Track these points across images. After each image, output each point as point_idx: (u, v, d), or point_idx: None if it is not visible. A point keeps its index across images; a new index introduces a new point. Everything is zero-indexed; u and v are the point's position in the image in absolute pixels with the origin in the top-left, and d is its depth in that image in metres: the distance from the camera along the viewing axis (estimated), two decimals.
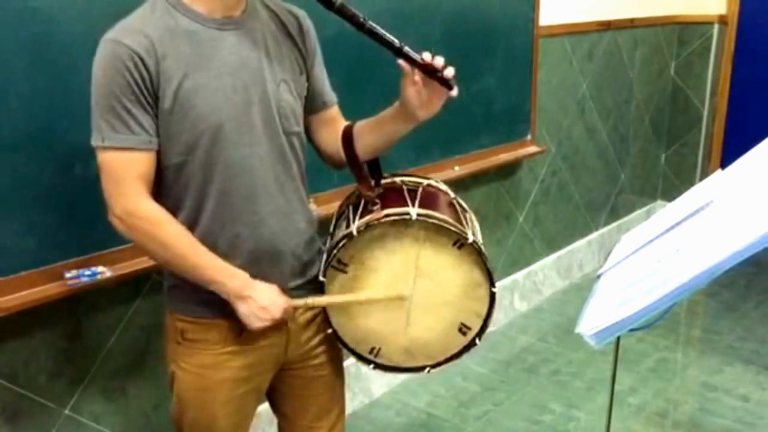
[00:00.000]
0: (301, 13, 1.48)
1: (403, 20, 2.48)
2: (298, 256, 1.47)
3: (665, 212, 1.83)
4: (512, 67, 3.04)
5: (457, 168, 2.82)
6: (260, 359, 1.48)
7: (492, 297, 1.48)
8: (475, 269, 1.46)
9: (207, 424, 1.47)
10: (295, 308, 1.44)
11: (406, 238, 1.43)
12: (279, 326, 1.43)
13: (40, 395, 1.81)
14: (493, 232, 3.29)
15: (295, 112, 1.44)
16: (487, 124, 2.98)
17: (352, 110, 1.58)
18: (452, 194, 1.61)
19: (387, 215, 1.41)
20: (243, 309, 1.36)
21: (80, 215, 1.71)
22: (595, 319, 1.42)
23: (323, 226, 1.62)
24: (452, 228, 1.42)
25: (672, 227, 1.63)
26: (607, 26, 3.66)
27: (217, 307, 1.39)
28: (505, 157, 3.08)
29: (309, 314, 1.52)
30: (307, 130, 1.52)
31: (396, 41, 1.32)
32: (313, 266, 1.51)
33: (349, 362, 1.68)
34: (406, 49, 1.33)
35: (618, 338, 1.58)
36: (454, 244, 1.44)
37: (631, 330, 1.38)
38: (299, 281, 1.48)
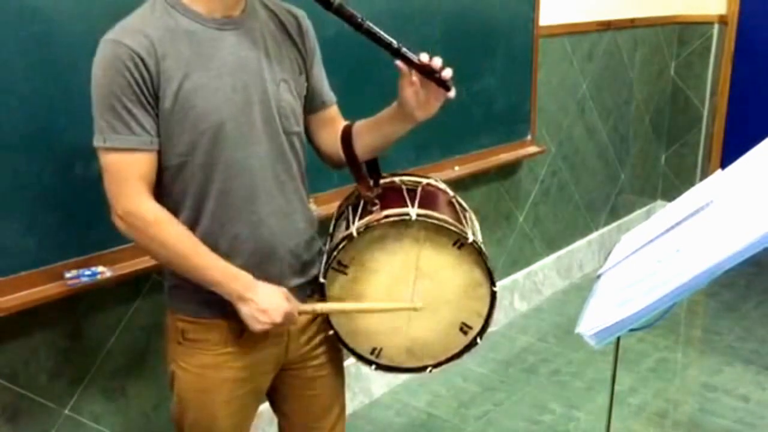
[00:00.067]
0: (301, 13, 1.48)
1: (403, 20, 2.48)
2: (298, 256, 1.47)
3: (665, 212, 1.83)
4: (512, 67, 3.04)
5: (457, 168, 2.82)
6: (261, 360, 1.48)
7: (493, 296, 1.48)
8: (475, 269, 1.46)
9: (207, 425, 1.47)
10: (301, 314, 1.43)
11: (406, 239, 1.43)
12: (281, 330, 1.43)
13: (40, 395, 1.81)
14: (493, 232, 3.29)
15: (295, 112, 1.44)
16: (487, 124, 2.98)
17: (352, 110, 1.58)
18: (451, 193, 1.61)
19: (386, 216, 1.41)
20: (244, 311, 1.36)
21: (80, 215, 1.71)
22: (595, 319, 1.42)
23: (323, 226, 1.62)
24: (452, 228, 1.42)
25: (672, 227, 1.63)
26: (607, 26, 3.67)
27: (218, 307, 1.39)
28: (505, 157, 3.08)
29: (309, 316, 1.52)
30: (306, 130, 1.52)
31: (394, 42, 1.32)
32: (314, 266, 1.51)
33: (349, 362, 1.68)
34: (404, 49, 1.33)
35: (618, 338, 1.58)
36: (455, 244, 1.44)
37: (631, 330, 1.38)
38: (300, 281, 1.48)
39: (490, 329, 1.52)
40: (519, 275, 3.52)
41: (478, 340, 1.52)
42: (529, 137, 3.23)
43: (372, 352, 1.52)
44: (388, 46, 1.33)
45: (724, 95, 4.25)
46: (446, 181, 1.66)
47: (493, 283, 1.47)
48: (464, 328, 1.51)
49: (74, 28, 1.64)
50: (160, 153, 1.32)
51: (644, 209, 4.46)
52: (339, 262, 1.44)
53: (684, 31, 4.29)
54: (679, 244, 1.50)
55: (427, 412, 2.75)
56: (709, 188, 1.70)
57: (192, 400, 1.46)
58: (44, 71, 1.61)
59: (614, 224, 4.19)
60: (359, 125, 1.51)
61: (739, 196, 1.52)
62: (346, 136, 1.51)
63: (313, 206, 1.56)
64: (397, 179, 1.58)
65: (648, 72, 4.14)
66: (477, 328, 1.51)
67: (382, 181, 1.54)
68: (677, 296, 1.31)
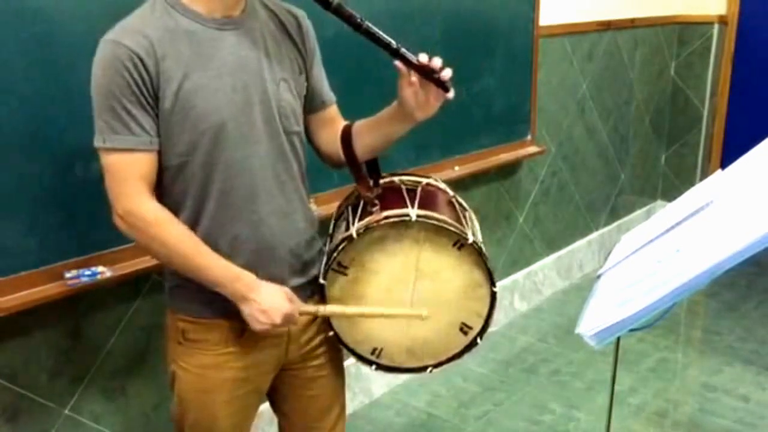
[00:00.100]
0: (301, 13, 1.48)
1: (403, 20, 2.48)
2: (298, 256, 1.47)
3: (665, 212, 1.83)
4: (512, 68, 3.04)
5: (457, 168, 2.82)
6: (261, 360, 1.48)
7: (493, 297, 1.48)
8: (475, 269, 1.46)
9: (208, 425, 1.47)
10: (302, 314, 1.43)
11: (406, 240, 1.43)
12: (281, 331, 1.43)
13: (40, 395, 1.81)
14: (493, 232, 3.29)
15: (295, 112, 1.44)
16: (487, 124, 2.98)
17: (352, 110, 1.58)
18: (451, 192, 1.61)
19: (386, 217, 1.41)
20: (245, 311, 1.36)
21: (80, 215, 1.71)
22: (595, 319, 1.42)
23: (323, 227, 1.62)
24: (452, 229, 1.42)
25: (672, 227, 1.63)
26: (607, 26, 3.66)
27: (219, 307, 1.39)
28: (505, 157, 3.08)
29: (310, 316, 1.52)
30: (306, 129, 1.52)
31: (393, 42, 1.32)
32: (314, 266, 1.51)
33: (349, 362, 1.68)
34: (403, 50, 1.32)
35: (618, 338, 1.58)
36: (455, 244, 1.44)
37: (631, 330, 1.38)
38: (300, 281, 1.48)
39: (490, 329, 1.53)
40: (519, 275, 3.52)
41: (479, 340, 1.52)
42: (529, 137, 3.23)
43: (372, 353, 1.52)
44: (387, 46, 1.32)
45: (724, 95, 4.25)
46: (446, 181, 1.66)
47: (493, 284, 1.47)
48: (464, 329, 1.51)
49: (75, 29, 1.64)
50: (160, 153, 1.32)
51: (644, 209, 4.46)
52: (339, 263, 1.44)
53: (684, 31, 4.29)
54: (679, 244, 1.50)
55: (427, 412, 2.75)
56: (709, 188, 1.70)
57: (192, 401, 1.46)
58: (45, 71, 1.61)
59: (614, 224, 4.19)
60: (359, 125, 1.51)
61: (739, 196, 1.52)
62: (346, 136, 1.51)
63: (313, 206, 1.56)
64: (396, 179, 1.58)
65: (648, 72, 4.14)
66: (477, 328, 1.51)
67: (381, 181, 1.54)
68: (677, 296, 1.31)
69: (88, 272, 1.73)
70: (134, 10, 1.32)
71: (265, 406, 1.66)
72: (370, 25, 1.33)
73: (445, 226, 1.41)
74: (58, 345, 1.82)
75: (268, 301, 1.36)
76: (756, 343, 3.25)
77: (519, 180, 3.38)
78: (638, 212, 4.40)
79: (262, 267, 1.40)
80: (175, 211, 1.36)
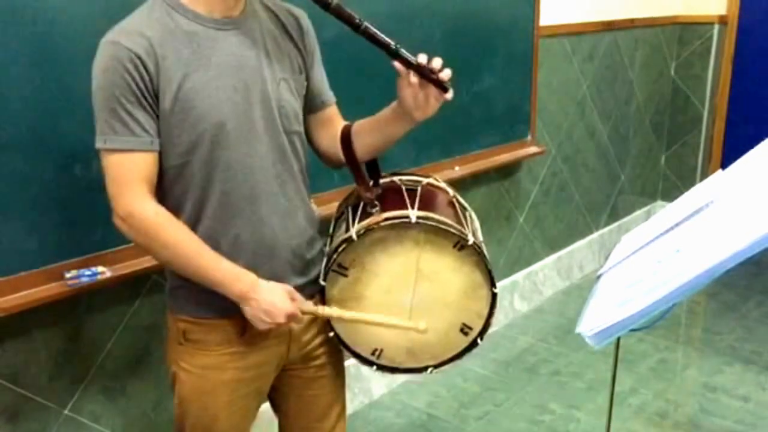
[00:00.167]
0: (301, 13, 1.49)
1: (404, 21, 2.48)
2: (299, 255, 1.47)
3: (665, 212, 1.83)
4: (512, 67, 3.04)
5: (457, 168, 2.82)
6: (262, 360, 1.47)
7: (493, 298, 1.48)
8: (476, 270, 1.46)
9: (208, 425, 1.47)
10: (304, 312, 1.43)
11: (407, 241, 1.43)
12: (283, 329, 1.43)
13: (40, 395, 1.81)
14: (494, 232, 3.29)
15: (295, 111, 1.44)
16: (487, 125, 2.98)
17: (352, 110, 1.58)
18: (452, 192, 1.61)
19: (386, 218, 1.41)
20: (248, 310, 1.36)
21: (80, 215, 1.71)
22: (595, 319, 1.42)
23: (323, 227, 1.61)
24: (452, 230, 1.42)
25: (672, 227, 1.63)
26: (607, 26, 3.66)
27: (219, 307, 1.39)
28: (505, 157, 3.08)
29: (311, 316, 1.52)
30: (306, 129, 1.51)
31: (392, 43, 1.32)
32: (315, 266, 1.51)
33: (349, 362, 1.68)
34: (402, 50, 1.32)
35: (618, 338, 1.58)
36: (455, 245, 1.43)
37: (632, 330, 1.38)
38: (302, 280, 1.48)
39: (491, 329, 1.52)
40: (519, 276, 3.52)
41: (479, 340, 1.52)
42: (529, 137, 3.23)
43: (373, 353, 1.52)
44: (386, 47, 1.32)
45: (724, 95, 4.25)
46: (446, 182, 1.66)
47: (493, 285, 1.47)
48: (465, 329, 1.51)
49: (75, 29, 1.64)
50: (160, 154, 1.32)
51: (644, 209, 4.46)
52: (339, 265, 1.43)
53: (684, 31, 4.29)
54: (679, 245, 1.50)
55: (427, 412, 2.75)
56: (709, 188, 1.70)
57: (193, 401, 1.46)
58: (45, 71, 1.61)
59: (614, 225, 4.19)
60: (359, 125, 1.51)
61: (739, 196, 1.52)
62: (346, 137, 1.51)
63: (314, 206, 1.56)
64: (397, 179, 1.58)
65: (648, 72, 4.14)
66: (477, 329, 1.51)
67: (382, 181, 1.54)
68: (677, 296, 1.31)
69: (88, 272, 1.73)
70: (134, 10, 1.32)
71: (266, 406, 1.66)
72: (369, 25, 1.33)
73: (446, 227, 1.41)
74: (58, 345, 1.82)
75: (270, 300, 1.36)
76: (756, 343, 3.24)
77: (519, 180, 3.38)
78: (638, 212, 4.40)
79: (264, 267, 1.40)
80: (176, 211, 1.35)
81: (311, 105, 1.51)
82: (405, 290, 1.46)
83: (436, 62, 1.34)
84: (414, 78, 1.34)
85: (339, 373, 1.64)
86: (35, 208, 1.65)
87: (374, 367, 1.54)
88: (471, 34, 2.79)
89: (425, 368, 1.54)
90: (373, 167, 1.53)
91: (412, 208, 1.42)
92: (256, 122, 1.36)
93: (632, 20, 3.84)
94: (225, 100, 1.32)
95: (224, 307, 1.38)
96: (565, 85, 3.52)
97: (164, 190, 1.36)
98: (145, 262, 1.81)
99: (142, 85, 1.26)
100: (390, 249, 1.43)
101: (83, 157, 1.65)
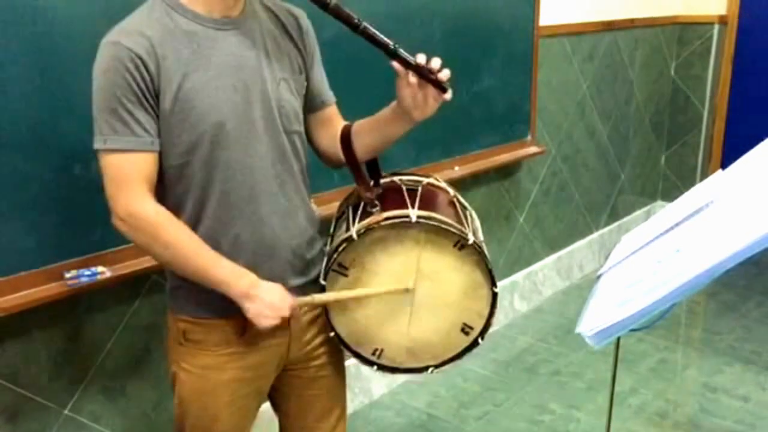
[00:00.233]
0: (300, 13, 1.49)
1: (403, 20, 2.48)
2: (300, 255, 1.47)
3: (665, 212, 1.83)
4: (512, 67, 3.04)
5: (457, 168, 2.82)
6: (262, 360, 1.47)
7: (494, 297, 1.48)
8: (476, 270, 1.46)
9: (209, 425, 1.47)
10: (301, 306, 1.43)
11: (407, 241, 1.43)
12: (284, 325, 1.43)
13: (40, 395, 1.81)
14: (494, 232, 3.29)
15: (295, 111, 1.44)
16: (487, 125, 2.98)
17: (352, 110, 1.58)
18: (452, 192, 1.61)
19: (387, 218, 1.41)
20: (251, 309, 1.36)
21: (80, 215, 1.71)
22: (595, 319, 1.42)
23: (323, 227, 1.61)
24: (452, 229, 1.42)
25: (672, 227, 1.63)
26: (607, 26, 3.66)
27: (220, 307, 1.39)
28: (505, 157, 3.08)
29: (311, 315, 1.52)
30: (306, 129, 1.51)
31: (390, 43, 1.32)
32: (316, 266, 1.51)
33: (349, 362, 1.68)
34: (401, 51, 1.32)
35: (618, 338, 1.58)
36: (455, 245, 1.43)
37: (631, 330, 1.38)
38: (302, 280, 1.48)
39: (491, 329, 1.52)
40: (519, 276, 3.52)
41: (480, 340, 1.52)
42: (529, 137, 3.23)
43: (373, 353, 1.52)
44: (384, 47, 1.32)
45: (724, 95, 4.25)
46: (446, 182, 1.66)
47: (494, 284, 1.47)
48: (465, 329, 1.51)
49: (75, 29, 1.64)
50: (160, 154, 1.32)
51: (644, 209, 4.46)
52: (340, 264, 1.43)
53: (684, 31, 4.29)
54: (679, 245, 1.50)
55: (427, 412, 2.75)
56: (709, 188, 1.70)
57: (194, 402, 1.46)
58: (45, 71, 1.61)
59: (614, 225, 4.19)
60: (358, 125, 1.51)
61: (739, 196, 1.52)
62: (345, 137, 1.51)
63: (314, 206, 1.56)
64: (397, 179, 1.58)
65: (648, 72, 4.14)
66: (478, 328, 1.51)
67: (382, 181, 1.54)
68: (677, 296, 1.31)
69: (88, 272, 1.73)
70: (134, 10, 1.32)
71: (266, 406, 1.66)
72: (367, 26, 1.33)
73: (446, 226, 1.41)
74: (58, 345, 1.82)
75: (272, 297, 1.36)
76: (756, 343, 3.24)
77: (519, 180, 3.38)
78: (638, 212, 4.40)
79: (264, 267, 1.40)
80: (176, 211, 1.35)
81: (311, 105, 1.51)
82: (407, 281, 1.45)
83: (435, 62, 1.34)
84: (413, 78, 1.34)
85: (339, 373, 1.63)
86: (35, 208, 1.65)
87: (375, 367, 1.54)
88: (471, 34, 2.79)
89: (426, 368, 1.54)
90: (374, 167, 1.53)
91: (413, 207, 1.42)
92: (256, 122, 1.36)
93: (632, 20, 3.84)
94: (225, 100, 1.32)
95: (224, 308, 1.38)
96: (565, 85, 3.52)
97: (164, 190, 1.36)
98: (145, 262, 1.81)
99: (143, 85, 1.26)
100: (390, 248, 1.43)
101: (83, 157, 1.65)
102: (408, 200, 1.46)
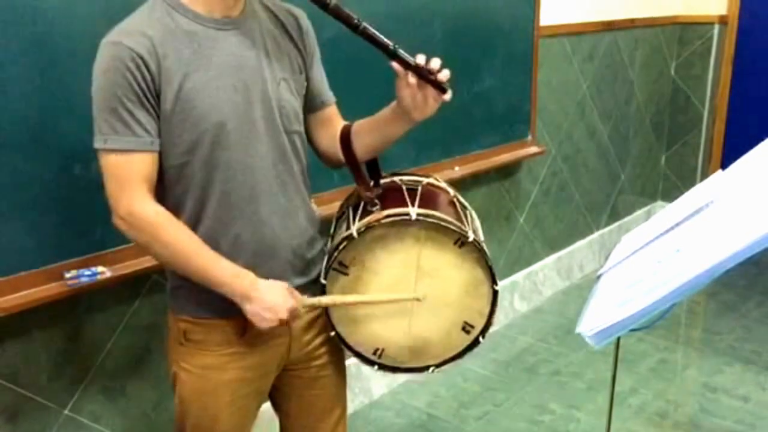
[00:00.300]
0: (300, 13, 1.49)
1: (403, 21, 2.48)
2: (300, 255, 1.47)
3: (665, 212, 1.83)
4: (512, 68, 3.04)
5: (457, 168, 2.82)
6: (263, 360, 1.47)
7: (494, 295, 1.48)
8: (476, 267, 1.46)
9: (209, 426, 1.47)
10: (305, 307, 1.43)
11: (407, 238, 1.43)
12: (285, 326, 1.43)
13: (40, 395, 1.81)
14: (494, 232, 3.29)
15: (295, 111, 1.44)
16: (488, 125, 2.98)
17: (352, 110, 1.58)
18: (452, 191, 1.61)
19: (387, 216, 1.41)
20: (249, 309, 1.36)
21: (80, 215, 1.71)
22: (595, 319, 1.42)
23: (323, 227, 1.61)
24: (453, 227, 1.42)
25: (672, 227, 1.63)
26: (607, 26, 3.66)
27: (220, 307, 1.39)
28: (505, 157, 3.08)
29: (312, 315, 1.52)
30: (306, 129, 1.51)
31: (390, 43, 1.32)
32: (316, 266, 1.51)
33: (350, 362, 1.68)
34: (400, 51, 1.32)
35: (618, 338, 1.58)
36: (455, 242, 1.43)
37: (632, 330, 1.38)
38: (302, 280, 1.48)
39: (491, 329, 1.52)
40: (519, 276, 3.52)
41: (481, 338, 1.52)
42: (529, 137, 3.23)
43: (374, 353, 1.52)
44: (384, 47, 1.32)
45: (724, 96, 4.25)
46: (446, 182, 1.66)
47: (494, 282, 1.47)
48: (466, 328, 1.51)
49: (75, 29, 1.64)
50: (161, 154, 1.32)
51: (644, 209, 4.46)
52: (340, 263, 1.43)
53: (684, 31, 4.29)
54: (679, 245, 1.50)
55: (427, 412, 2.75)
56: (709, 188, 1.70)
57: (194, 402, 1.46)
58: (45, 71, 1.61)
59: (614, 225, 4.19)
60: (358, 125, 1.51)
61: (739, 196, 1.52)
62: (345, 137, 1.51)
63: (314, 206, 1.56)
64: (397, 179, 1.58)
65: (648, 72, 4.14)
66: (479, 327, 1.51)
67: (382, 181, 1.54)
68: (677, 296, 1.31)
69: (88, 272, 1.73)
70: (134, 10, 1.32)
71: (266, 406, 1.66)
72: (367, 26, 1.33)
73: (446, 224, 1.41)
74: (58, 345, 1.82)
75: (271, 298, 1.36)
76: (756, 343, 3.24)
77: (519, 180, 3.38)
78: (638, 212, 4.40)
79: (264, 267, 1.40)
80: (176, 211, 1.35)
81: (311, 105, 1.51)
82: (406, 288, 1.46)
83: (435, 63, 1.34)
84: (412, 79, 1.34)
85: (340, 373, 1.63)
86: (35, 208, 1.65)
87: (376, 367, 1.54)
88: (471, 34, 2.79)
89: (427, 367, 1.54)
90: (374, 167, 1.53)
91: (413, 206, 1.43)
92: (257, 122, 1.36)
93: (632, 20, 3.84)
94: (225, 100, 1.32)
95: (224, 308, 1.38)
96: (565, 85, 3.52)
97: (165, 190, 1.36)
98: (145, 262, 1.81)
99: (144, 85, 1.26)
100: (390, 246, 1.43)
101: (83, 157, 1.65)
102: (408, 199, 1.46)
